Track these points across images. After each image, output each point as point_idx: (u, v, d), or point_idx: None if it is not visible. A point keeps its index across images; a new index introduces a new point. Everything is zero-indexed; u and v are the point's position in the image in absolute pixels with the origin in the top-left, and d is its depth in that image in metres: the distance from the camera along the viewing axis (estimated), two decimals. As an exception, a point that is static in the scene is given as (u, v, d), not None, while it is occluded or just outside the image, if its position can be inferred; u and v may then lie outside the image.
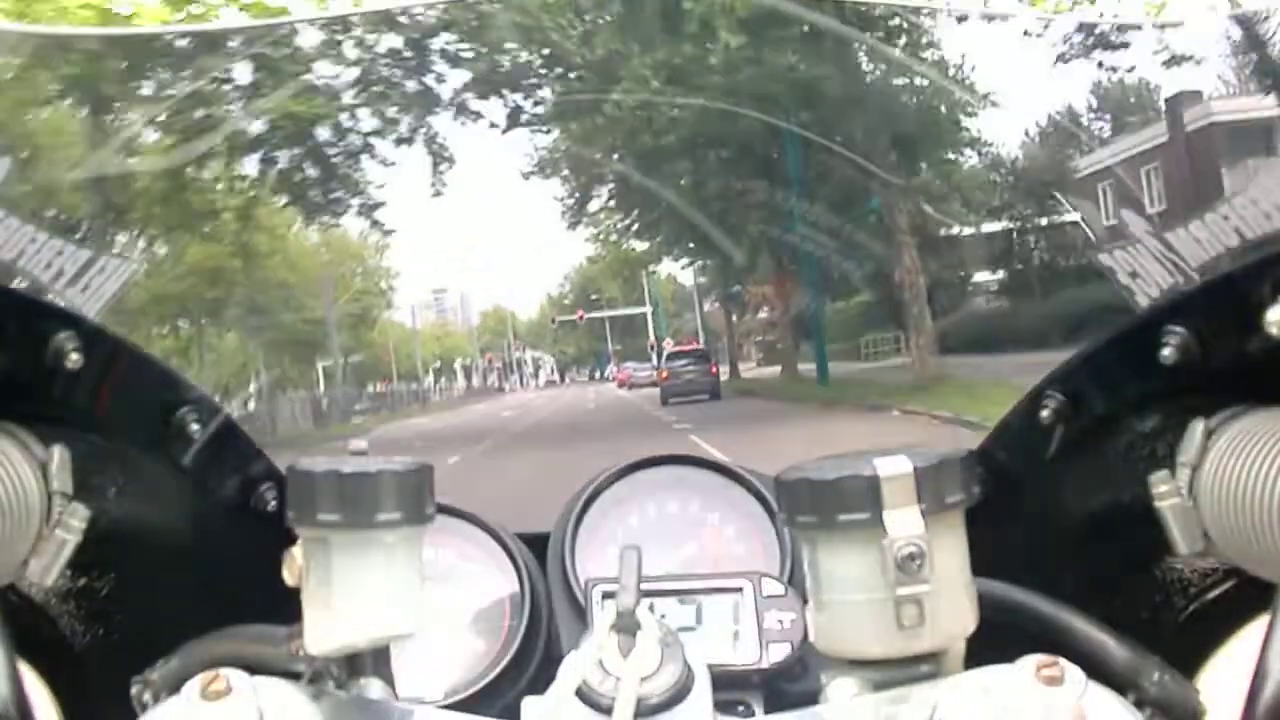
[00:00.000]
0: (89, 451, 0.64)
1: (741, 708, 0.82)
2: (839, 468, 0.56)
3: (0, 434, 0.59)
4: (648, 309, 54.35)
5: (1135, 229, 0.70)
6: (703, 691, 0.56)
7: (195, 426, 0.71)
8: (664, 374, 27.65)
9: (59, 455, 0.61)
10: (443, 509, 0.93)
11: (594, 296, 61.88)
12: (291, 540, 0.61)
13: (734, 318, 37.28)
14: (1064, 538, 0.74)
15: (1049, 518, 0.74)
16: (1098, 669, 0.54)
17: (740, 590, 0.86)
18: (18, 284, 0.62)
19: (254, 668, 0.54)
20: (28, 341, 0.60)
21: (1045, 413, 0.70)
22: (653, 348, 41.22)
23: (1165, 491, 0.60)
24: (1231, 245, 0.65)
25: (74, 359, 0.61)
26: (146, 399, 0.70)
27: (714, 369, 27.95)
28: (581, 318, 54.90)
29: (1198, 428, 0.59)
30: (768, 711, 0.81)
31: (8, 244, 0.66)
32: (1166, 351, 0.61)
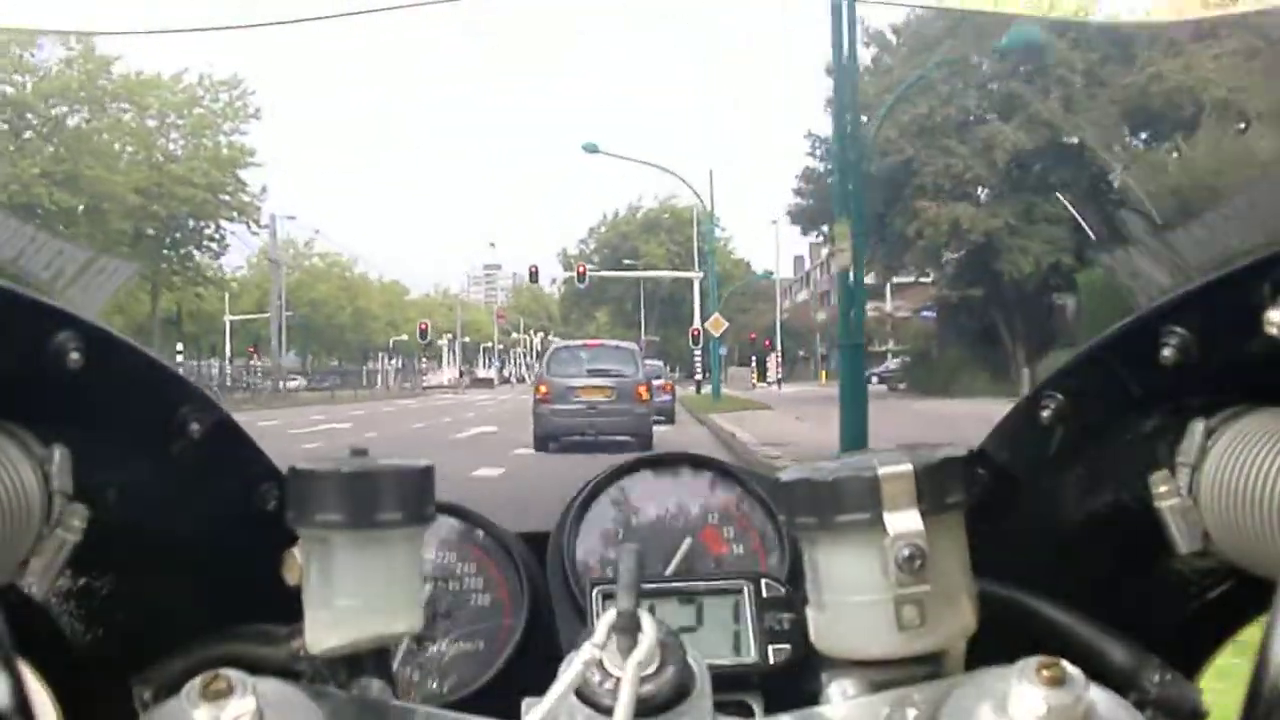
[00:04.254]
0: (89, 451, 0.64)
1: (741, 708, 0.82)
2: (839, 468, 0.57)
3: (0, 434, 0.59)
4: (695, 274, 35.45)
5: (1135, 229, 0.70)
6: (703, 692, 0.56)
7: (195, 426, 0.71)
8: (542, 389, 15.26)
9: (59, 455, 0.61)
10: (443, 508, 0.94)
11: (627, 261, 46.03)
12: (292, 540, 0.61)
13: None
14: (1063, 538, 0.74)
15: (1048, 518, 0.74)
16: (1098, 670, 0.54)
17: (740, 591, 0.86)
18: (17, 284, 0.61)
19: (254, 667, 0.54)
20: (28, 341, 0.60)
21: (1045, 413, 0.70)
22: (696, 338, 28.69)
23: (1165, 491, 0.60)
24: (1231, 245, 0.65)
25: (74, 359, 0.61)
26: (146, 399, 0.70)
27: (644, 391, 15.12)
28: (582, 273, 37.88)
29: (1198, 428, 0.59)
30: (768, 712, 0.81)
31: (8, 244, 0.66)
32: (1166, 351, 0.61)
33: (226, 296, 43.10)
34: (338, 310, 53.30)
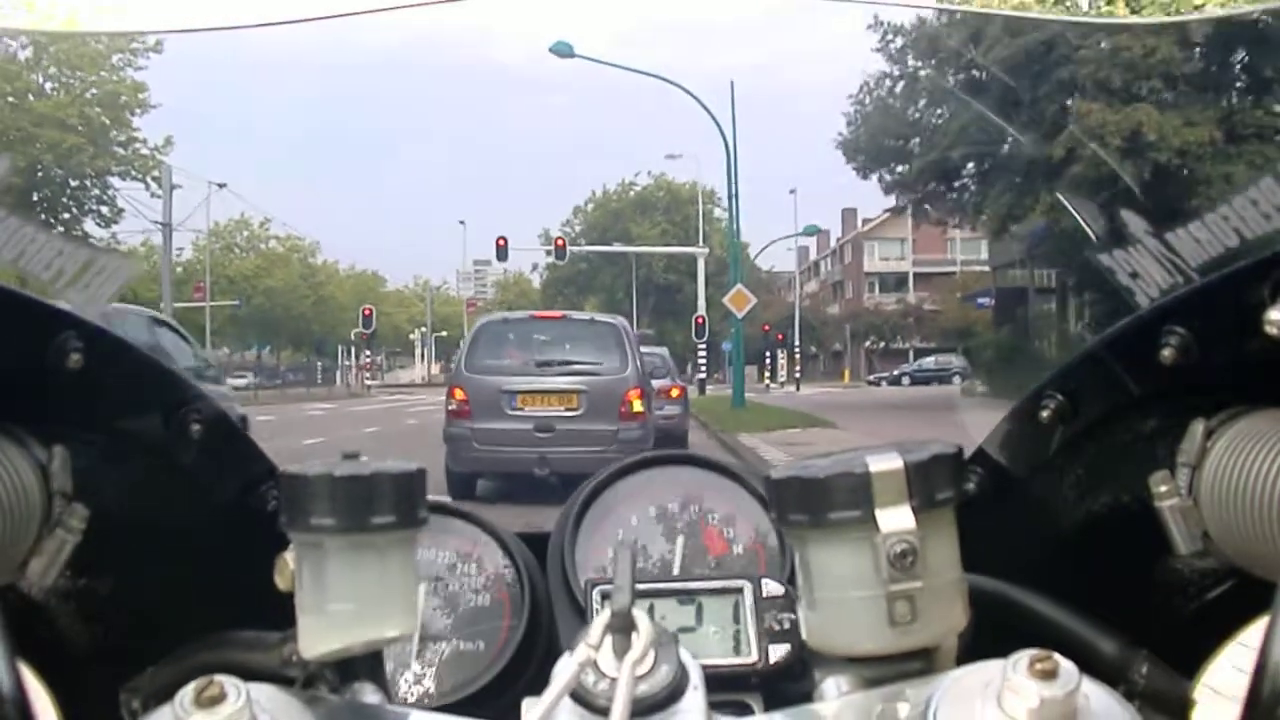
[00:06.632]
0: (89, 451, 0.64)
1: (741, 708, 0.82)
2: (830, 465, 0.57)
3: (0, 434, 0.59)
4: (700, 250, 30.55)
5: (1135, 229, 0.70)
6: (697, 691, 0.56)
7: (195, 426, 0.72)
8: (458, 395, 8.80)
9: (59, 455, 0.61)
10: (443, 509, 0.94)
11: (618, 244, 41.70)
12: (285, 543, 0.61)
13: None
14: (1064, 538, 0.74)
15: (1049, 518, 0.74)
16: (1088, 662, 0.54)
17: (740, 590, 0.86)
18: (17, 284, 0.62)
19: (247, 673, 0.54)
20: (28, 341, 0.60)
21: (1045, 413, 0.70)
22: (700, 328, 24.32)
23: (1165, 491, 0.60)
24: (1231, 245, 0.65)
25: (75, 359, 0.61)
26: (146, 399, 0.70)
27: (637, 399, 8.75)
28: (561, 246, 32.94)
29: (1198, 428, 0.60)
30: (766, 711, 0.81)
31: (8, 244, 0.66)
32: (1166, 352, 0.61)
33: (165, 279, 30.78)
34: (298, 300, 43.33)
